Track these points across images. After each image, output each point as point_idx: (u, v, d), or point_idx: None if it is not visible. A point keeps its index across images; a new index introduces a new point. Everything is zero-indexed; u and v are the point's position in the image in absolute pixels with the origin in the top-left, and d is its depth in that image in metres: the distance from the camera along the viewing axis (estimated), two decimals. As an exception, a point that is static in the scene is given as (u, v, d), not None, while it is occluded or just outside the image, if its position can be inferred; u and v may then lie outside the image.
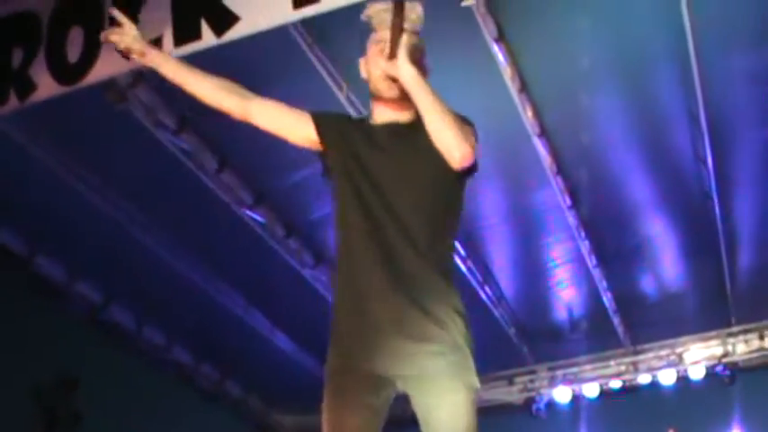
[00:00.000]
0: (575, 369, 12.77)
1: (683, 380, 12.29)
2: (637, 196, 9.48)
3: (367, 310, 3.55)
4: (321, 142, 3.84)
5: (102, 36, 4.06)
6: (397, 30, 3.54)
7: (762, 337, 12.13)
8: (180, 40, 6.40)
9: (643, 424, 11.97)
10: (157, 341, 11.32)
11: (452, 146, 3.46)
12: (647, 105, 8.35)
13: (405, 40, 3.55)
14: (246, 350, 11.94)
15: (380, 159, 3.66)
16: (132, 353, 11.02)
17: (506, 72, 7.57)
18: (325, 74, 7.55)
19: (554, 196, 9.15)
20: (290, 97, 7.50)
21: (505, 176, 8.92)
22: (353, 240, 3.65)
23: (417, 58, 3.64)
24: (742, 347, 12.24)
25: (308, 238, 9.85)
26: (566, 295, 11.22)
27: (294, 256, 9.87)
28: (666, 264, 10.74)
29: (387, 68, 3.60)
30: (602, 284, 10.75)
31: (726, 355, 12.22)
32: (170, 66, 4.02)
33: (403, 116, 3.73)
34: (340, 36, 7.25)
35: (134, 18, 6.44)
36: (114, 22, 4.00)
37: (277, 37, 6.78)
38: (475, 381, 3.53)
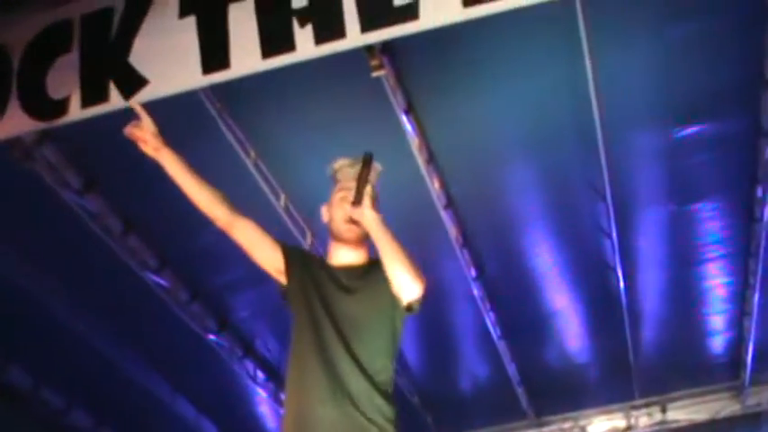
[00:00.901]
0: (479, 439, 12.76)
1: (586, 452, 12.34)
2: (542, 269, 9.56)
3: (310, 417, 3.92)
4: (287, 275, 4.25)
5: (127, 131, 4.54)
6: (364, 180, 4.07)
7: (664, 410, 12.26)
8: (87, 101, 6.35)
9: (546, 495, 12.00)
10: (55, 404, 11.05)
11: (407, 285, 3.93)
12: (554, 179, 8.45)
13: (368, 190, 4.07)
14: (146, 415, 11.72)
15: (340, 297, 4.12)
16: (29, 416, 10.76)
17: (414, 143, 7.60)
18: (233, 140, 7.51)
19: (460, 268, 9.17)
20: (198, 161, 7.51)
21: (411, 247, 8.85)
22: (305, 360, 4.06)
23: (376, 206, 4.13)
24: (645, 420, 12.36)
25: (212, 304, 9.74)
26: (470, 366, 11.23)
27: (197, 322, 9.73)
28: (571, 336, 10.82)
29: (351, 212, 4.10)
30: (506, 356, 10.78)
31: (629, 428, 12.33)
32: (177, 166, 4.47)
33: (358, 256, 4.23)
34: (250, 103, 7.26)
35: (43, 78, 6.46)
36: (136, 116, 4.49)
37: (186, 102, 6.75)
38: None
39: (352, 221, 4.15)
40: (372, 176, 4.18)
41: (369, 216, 4.03)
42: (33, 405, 10.74)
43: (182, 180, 4.42)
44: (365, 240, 4.22)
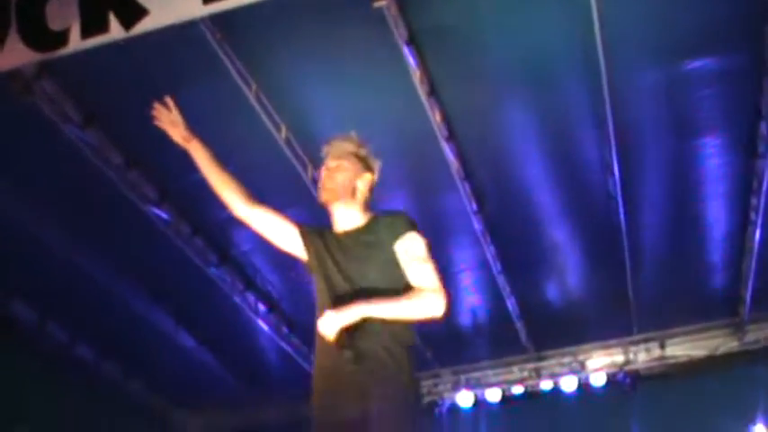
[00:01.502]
0: (477, 374, 12.86)
1: (584, 386, 12.43)
2: (543, 203, 9.55)
3: (334, 370, 4.18)
4: (305, 249, 4.51)
5: (156, 116, 4.93)
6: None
7: (663, 346, 12.32)
8: (87, 32, 6.35)
9: (544, 429, 12.09)
10: (59, 339, 11.12)
11: (433, 315, 4.18)
12: (557, 113, 8.42)
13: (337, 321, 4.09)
14: (149, 348, 11.79)
15: (348, 258, 4.34)
16: (33, 350, 10.82)
17: (416, 75, 7.56)
18: (234, 72, 7.47)
19: (461, 201, 9.18)
20: (199, 94, 7.50)
21: (412, 180, 8.91)
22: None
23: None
24: (643, 356, 12.43)
25: (214, 238, 9.77)
26: (470, 300, 11.27)
27: (199, 255, 9.76)
28: (571, 271, 10.85)
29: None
30: (506, 290, 10.82)
31: (627, 363, 12.40)
32: (204, 157, 4.82)
33: (351, 218, 4.46)
34: (250, 34, 7.22)
35: (43, 10, 6.43)
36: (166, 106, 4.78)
37: (186, 33, 6.72)
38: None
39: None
40: (345, 147, 4.54)
41: (350, 316, 4.10)
42: (37, 339, 10.81)
43: (207, 171, 4.77)
44: (348, 202, 4.46)
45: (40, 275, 9.96)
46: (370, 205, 4.55)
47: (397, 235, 4.31)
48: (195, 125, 8.04)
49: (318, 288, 4.40)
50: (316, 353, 4.33)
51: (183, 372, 12.44)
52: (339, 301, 4.18)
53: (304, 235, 4.53)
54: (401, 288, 4.22)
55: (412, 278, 4.24)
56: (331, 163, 4.50)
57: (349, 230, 4.43)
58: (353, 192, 4.47)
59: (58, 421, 10.34)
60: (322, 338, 4.16)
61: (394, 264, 4.27)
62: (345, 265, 4.31)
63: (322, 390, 4.25)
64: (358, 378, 4.08)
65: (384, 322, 4.13)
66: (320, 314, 4.15)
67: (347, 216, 4.46)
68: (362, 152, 4.55)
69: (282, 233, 4.59)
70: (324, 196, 4.47)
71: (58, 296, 10.41)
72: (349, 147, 4.54)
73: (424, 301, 4.18)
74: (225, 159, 7.92)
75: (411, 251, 4.29)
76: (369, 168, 4.56)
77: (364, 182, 4.50)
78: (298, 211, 9.35)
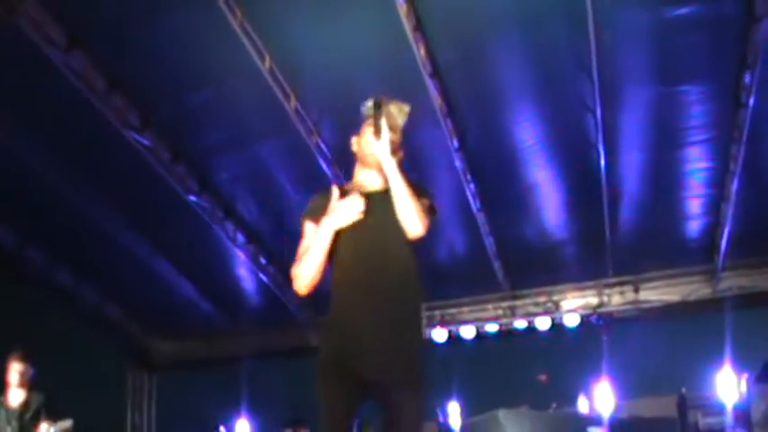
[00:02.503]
0: (453, 311, 12.96)
1: (558, 327, 12.55)
2: (525, 143, 9.56)
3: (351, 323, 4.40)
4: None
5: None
6: (377, 120, 4.36)
7: (637, 290, 12.44)
8: None
9: (517, 368, 12.17)
10: (38, 263, 11.15)
11: (411, 225, 4.36)
12: (542, 54, 8.41)
13: (389, 135, 4.37)
14: (127, 274, 11.84)
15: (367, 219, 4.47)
16: (12, 274, 10.85)
17: (402, 9, 7.53)
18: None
19: (442, 137, 9.19)
20: (183, 20, 7.46)
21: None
22: (343, 276, 4.50)
23: (397, 146, 4.47)
24: (617, 298, 12.56)
25: (194, 165, 9.77)
26: (448, 237, 11.31)
27: (179, 182, 9.76)
28: (549, 212, 10.89)
29: (374, 149, 4.41)
30: (484, 228, 10.88)
31: (601, 305, 12.51)
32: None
33: (379, 181, 4.53)
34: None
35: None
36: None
37: None
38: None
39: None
40: (397, 115, 4.50)
41: (386, 161, 4.36)
42: (17, 263, 10.83)
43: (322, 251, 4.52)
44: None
45: (19, 199, 9.96)
46: None
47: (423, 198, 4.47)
48: (179, 50, 8.10)
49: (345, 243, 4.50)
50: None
51: (159, 299, 12.50)
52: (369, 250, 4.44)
53: (313, 221, 4.56)
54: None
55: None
56: (393, 134, 4.47)
57: (380, 190, 4.51)
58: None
59: (35, 340, 10.35)
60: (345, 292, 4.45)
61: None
62: (376, 221, 4.46)
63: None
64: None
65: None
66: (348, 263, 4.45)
67: (379, 179, 4.52)
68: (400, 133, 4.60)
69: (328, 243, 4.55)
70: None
71: (37, 220, 10.42)
72: (401, 119, 4.57)
73: (419, 211, 4.33)
74: (207, 85, 7.93)
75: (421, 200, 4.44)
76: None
77: (399, 157, 4.52)
78: (277, 141, 9.45)
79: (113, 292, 12.39)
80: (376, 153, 4.41)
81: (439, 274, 11.87)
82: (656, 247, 11.64)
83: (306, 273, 4.47)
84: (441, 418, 11.60)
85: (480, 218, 10.64)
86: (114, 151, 9.29)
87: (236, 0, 7.56)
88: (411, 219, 4.35)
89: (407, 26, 7.71)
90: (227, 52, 8.02)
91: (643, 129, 9.44)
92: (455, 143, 9.33)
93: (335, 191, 4.56)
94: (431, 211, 4.51)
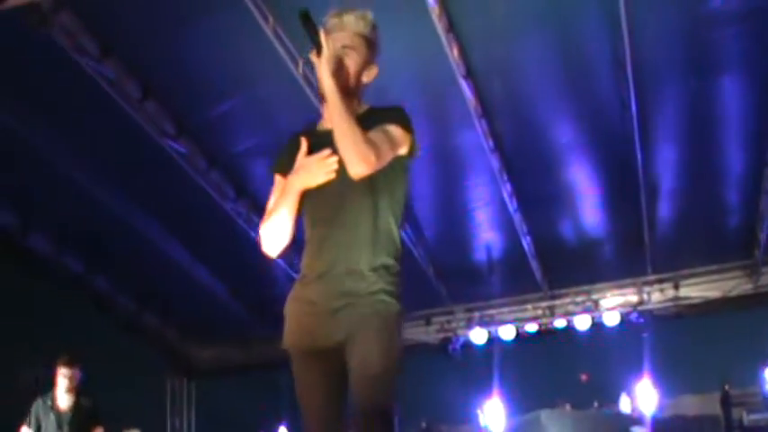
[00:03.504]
0: (492, 311, 12.92)
1: (597, 325, 12.48)
2: (560, 142, 9.53)
3: (306, 291, 3.84)
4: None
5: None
6: (312, 35, 3.68)
7: (677, 287, 12.34)
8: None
9: (557, 367, 12.15)
10: (75, 269, 11.19)
11: (350, 163, 3.63)
12: (575, 51, 8.36)
13: (329, 52, 3.71)
14: (164, 280, 11.88)
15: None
16: (50, 280, 10.90)
17: (434, 11, 7.50)
18: (250, 4, 7.43)
19: (478, 139, 9.15)
20: (216, 27, 7.47)
21: (429, 117, 8.87)
22: (308, 238, 3.89)
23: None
24: (657, 296, 12.47)
25: (230, 172, 9.78)
26: (485, 238, 11.29)
27: (215, 189, 9.78)
28: (586, 210, 10.84)
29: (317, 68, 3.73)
30: (521, 228, 10.83)
31: (641, 302, 12.44)
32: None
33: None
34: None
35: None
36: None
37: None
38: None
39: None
40: (354, 25, 3.86)
41: (324, 83, 3.70)
42: (57, 271, 10.89)
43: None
44: (349, 93, 3.83)
45: (57, 207, 10.02)
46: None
47: (388, 122, 3.81)
48: (211, 56, 8.11)
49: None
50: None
51: (197, 305, 12.53)
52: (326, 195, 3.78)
53: (282, 175, 3.99)
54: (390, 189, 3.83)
55: (372, 134, 3.73)
56: (345, 41, 3.86)
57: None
58: (358, 84, 3.90)
59: (74, 347, 10.42)
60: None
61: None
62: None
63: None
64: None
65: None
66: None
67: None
68: (374, 36, 3.92)
69: (295, 200, 3.93)
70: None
71: (74, 227, 10.47)
72: (362, 27, 3.90)
73: (359, 144, 3.64)
74: (241, 90, 7.92)
75: (390, 128, 3.78)
76: (375, 58, 3.95)
77: (370, 75, 3.93)
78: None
79: (151, 299, 12.43)
80: (318, 74, 3.73)
81: (477, 274, 11.86)
82: (695, 242, 11.56)
83: (271, 234, 3.90)
84: (482, 420, 11.60)
85: (517, 218, 10.59)
86: (150, 158, 9.32)
87: (268, 4, 7.55)
88: (349, 156, 3.62)
89: (440, 28, 7.67)
90: (260, 57, 8.02)
91: (679, 123, 9.37)
92: (490, 143, 9.28)
93: (303, 141, 3.88)
94: (402, 140, 3.80)
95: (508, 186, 10.04)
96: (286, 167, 3.95)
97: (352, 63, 3.85)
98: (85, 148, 9.23)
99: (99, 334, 11.54)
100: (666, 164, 9.95)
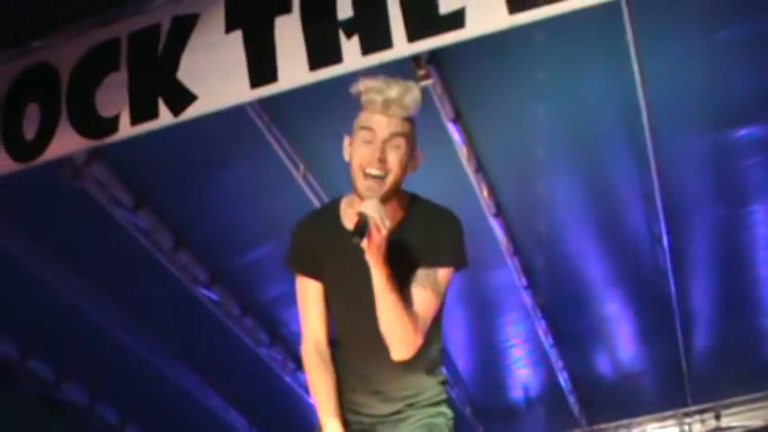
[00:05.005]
0: (531, 449, 12.73)
1: (640, 459, 12.28)
2: (593, 276, 9.51)
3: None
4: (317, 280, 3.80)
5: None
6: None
7: (718, 417, 12.14)
8: (137, 118, 6.41)
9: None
10: (110, 420, 11.13)
11: (394, 347, 3.45)
12: (603, 186, 8.41)
13: (380, 238, 3.28)
14: (199, 429, 11.79)
15: (351, 263, 3.51)
16: (83, 429, 10.84)
17: (462, 152, 7.59)
18: (281, 153, 7.54)
19: (510, 276, 9.16)
20: (246, 176, 7.57)
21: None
22: (339, 345, 3.86)
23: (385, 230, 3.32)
24: (698, 427, 12.25)
25: (264, 317, 9.77)
26: (522, 375, 11.21)
27: (249, 335, 9.77)
28: (622, 343, 10.76)
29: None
30: (558, 364, 10.74)
31: (682, 434, 12.25)
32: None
33: (391, 211, 3.50)
34: (297, 115, 7.28)
35: (93, 97, 6.49)
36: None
37: (234, 116, 6.78)
38: None
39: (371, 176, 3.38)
40: (408, 107, 3.39)
41: (374, 272, 3.33)
42: (89, 420, 10.84)
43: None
44: (393, 196, 3.47)
45: (91, 358, 10.01)
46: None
47: (437, 260, 3.56)
48: (242, 204, 8.19)
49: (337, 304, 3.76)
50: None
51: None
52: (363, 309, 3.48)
53: (299, 272, 3.84)
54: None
55: (415, 298, 3.44)
56: (395, 127, 3.36)
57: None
58: (403, 178, 3.48)
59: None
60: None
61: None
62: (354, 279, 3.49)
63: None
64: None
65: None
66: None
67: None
68: (414, 124, 3.46)
69: (321, 301, 3.87)
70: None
71: (107, 378, 10.44)
72: (412, 108, 3.40)
73: (408, 335, 3.37)
74: (273, 237, 7.99)
75: (440, 275, 3.56)
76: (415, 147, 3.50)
77: (414, 165, 3.51)
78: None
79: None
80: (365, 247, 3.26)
81: (514, 413, 11.73)
82: (734, 370, 11.40)
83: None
84: None
85: (553, 354, 10.52)
86: (183, 307, 9.34)
87: (296, 150, 7.64)
88: (393, 340, 3.37)
89: (469, 168, 7.75)
90: (290, 204, 8.06)
91: (711, 252, 9.35)
92: (523, 281, 9.29)
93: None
94: (449, 278, 3.57)
95: (543, 323, 10.00)
96: (306, 265, 3.76)
97: (401, 156, 3.42)
98: (119, 297, 9.26)
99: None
100: (701, 293, 9.90)
